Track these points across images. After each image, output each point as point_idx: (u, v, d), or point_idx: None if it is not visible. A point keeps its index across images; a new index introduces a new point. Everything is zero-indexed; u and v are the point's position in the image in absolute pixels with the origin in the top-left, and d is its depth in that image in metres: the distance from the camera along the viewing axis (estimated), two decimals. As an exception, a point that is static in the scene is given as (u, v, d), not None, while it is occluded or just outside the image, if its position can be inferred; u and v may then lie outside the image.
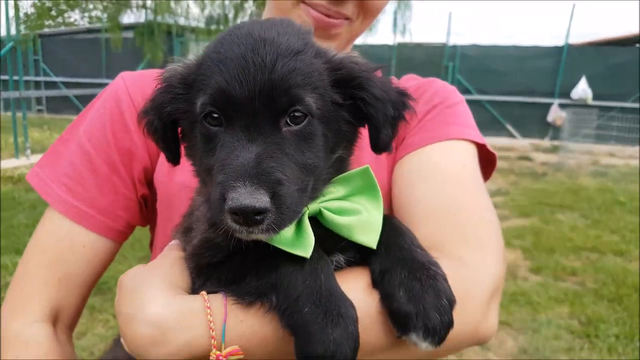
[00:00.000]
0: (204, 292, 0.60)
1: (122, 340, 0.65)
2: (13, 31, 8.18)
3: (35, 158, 8.73)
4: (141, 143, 0.79)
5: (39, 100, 16.27)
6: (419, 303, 0.57)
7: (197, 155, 0.62)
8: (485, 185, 0.85)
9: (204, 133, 0.59)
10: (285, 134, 0.57)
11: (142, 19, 9.02)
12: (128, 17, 8.17)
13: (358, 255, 0.65)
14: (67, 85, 15.15)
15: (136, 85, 0.83)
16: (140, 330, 0.59)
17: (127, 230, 0.88)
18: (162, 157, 0.81)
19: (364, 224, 0.61)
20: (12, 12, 8.01)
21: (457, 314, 0.60)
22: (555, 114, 12.27)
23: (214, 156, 0.57)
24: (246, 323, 0.58)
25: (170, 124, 0.64)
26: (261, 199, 0.51)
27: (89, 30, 15.66)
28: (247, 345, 0.58)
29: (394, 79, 0.99)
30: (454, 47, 13.78)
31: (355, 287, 0.60)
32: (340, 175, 0.66)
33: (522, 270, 4.65)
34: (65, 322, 0.85)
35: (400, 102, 0.66)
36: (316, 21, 0.81)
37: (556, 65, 12.78)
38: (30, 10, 6.98)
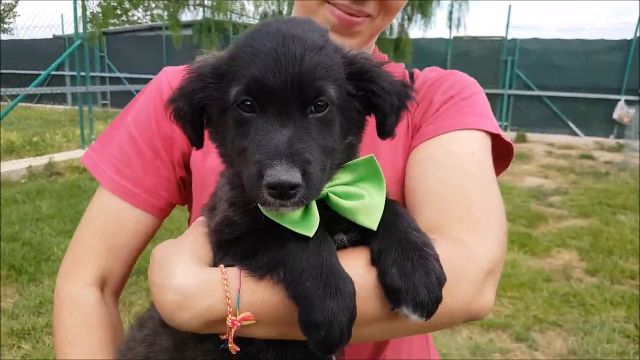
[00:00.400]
0: (222, 265, 0.68)
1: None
2: (81, 29, 8.69)
3: (100, 149, 9.25)
4: (180, 131, 0.86)
5: (104, 95, 17.18)
6: (410, 280, 0.62)
7: (228, 138, 0.68)
8: (495, 174, 0.86)
9: (238, 118, 0.65)
10: (311, 120, 0.64)
11: (199, 17, 9.33)
12: (186, 15, 8.49)
13: (360, 235, 0.70)
14: (130, 80, 15.88)
15: (176, 79, 0.90)
16: (168, 297, 0.67)
17: (167, 208, 0.97)
18: None
19: (366, 208, 0.67)
20: (80, 12, 8.49)
21: (451, 291, 0.66)
22: (622, 111, 11.60)
23: (247, 139, 0.64)
24: (257, 293, 0.66)
25: (198, 110, 0.70)
26: (295, 175, 0.57)
27: (151, 28, 16.32)
28: (258, 312, 0.65)
29: (415, 71, 1.02)
30: (514, 40, 13.31)
31: (356, 264, 0.66)
32: (347, 163, 0.72)
33: (577, 272, 4.47)
34: (112, 287, 0.95)
35: (404, 94, 0.71)
36: (339, 19, 0.86)
37: (623, 60, 12.08)
38: (97, 9, 7.39)
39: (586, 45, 12.65)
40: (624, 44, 12.15)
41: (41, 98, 16.59)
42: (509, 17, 13.26)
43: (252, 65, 0.62)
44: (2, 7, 27.74)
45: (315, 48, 0.64)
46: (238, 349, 0.66)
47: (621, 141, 11.21)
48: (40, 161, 7.97)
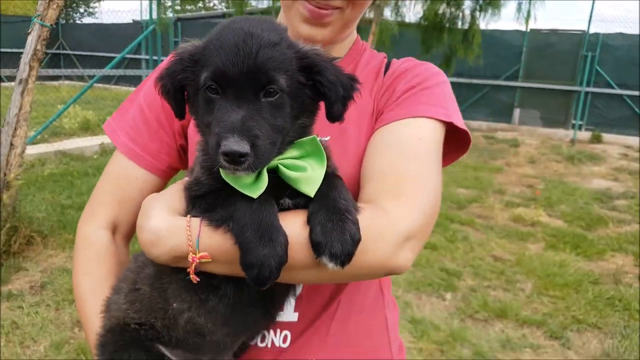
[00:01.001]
0: (188, 216, 0.85)
1: None
2: (155, 15, 9.21)
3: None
4: None
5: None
6: (328, 236, 0.77)
7: (200, 113, 0.84)
8: (440, 158, 0.96)
9: (205, 98, 0.81)
10: (263, 104, 0.78)
11: (265, 5, 9.60)
12: (257, 2, 8.76)
13: (302, 201, 0.85)
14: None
15: None
16: (145, 236, 0.86)
17: (169, 170, 1.14)
18: None
19: (308, 179, 0.82)
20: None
21: (370, 249, 0.80)
22: None
23: (212, 115, 0.79)
24: (214, 239, 0.82)
25: (179, 88, 0.86)
26: (244, 146, 0.72)
27: (224, 15, 16.93)
28: (213, 254, 0.82)
29: (393, 60, 1.10)
30: (596, 35, 12.52)
31: (294, 222, 0.81)
32: (297, 141, 0.86)
33: (628, 277, 4.27)
34: (122, 233, 1.13)
35: (350, 85, 0.84)
36: (310, 12, 0.97)
37: None
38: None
39: (676, 42, 11.67)
40: None
41: (118, 80, 17.70)
42: (592, 10, 12.48)
43: (217, 56, 0.78)
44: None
45: (269, 44, 0.79)
46: (198, 279, 0.83)
47: None
48: (113, 138, 8.61)
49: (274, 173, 0.82)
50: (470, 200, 6.39)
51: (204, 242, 0.81)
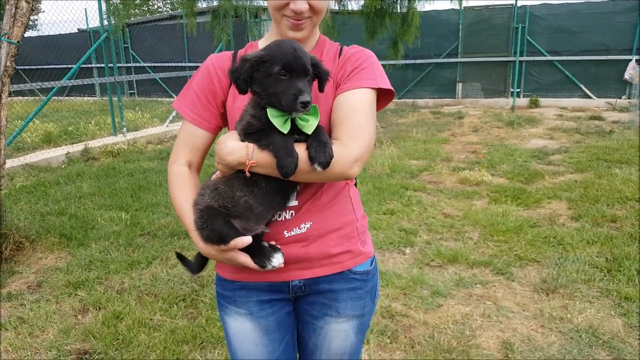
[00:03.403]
0: (246, 142, 1.37)
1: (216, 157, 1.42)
2: (106, 22, 9.31)
3: (131, 135, 9.94)
4: (220, 88, 1.59)
5: (130, 85, 17.95)
6: (318, 154, 1.32)
7: (269, 87, 1.34)
8: (375, 112, 1.51)
9: (277, 79, 1.33)
10: (306, 81, 1.33)
11: (215, 3, 9.81)
12: (201, 3, 8.93)
13: (304, 137, 1.38)
14: (154, 69, 16.58)
15: (218, 62, 1.61)
16: (225, 150, 1.37)
17: (217, 129, 1.65)
18: (230, 93, 1.59)
19: (309, 125, 1.36)
20: (104, 6, 9.07)
21: (337, 164, 1.36)
22: (633, 71, 11.65)
23: (283, 87, 1.31)
24: (261, 154, 1.34)
25: (249, 77, 1.37)
26: (309, 99, 1.28)
27: (172, 17, 16.93)
28: (260, 162, 1.34)
29: (344, 47, 1.67)
30: (523, 7, 13.39)
31: (301, 148, 1.34)
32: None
33: (562, 219, 4.91)
34: (195, 168, 1.65)
35: (327, 73, 1.43)
36: (291, 24, 1.50)
37: (634, 20, 12.08)
38: (117, 1, 7.88)
39: (596, 8, 12.65)
40: (634, 5, 12.12)
41: (70, 91, 17.42)
42: (518, -16, 13.31)
43: (284, 57, 1.32)
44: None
45: (304, 53, 1.35)
46: (249, 174, 1.37)
47: (633, 101, 11.32)
48: (76, 148, 8.70)
49: (293, 121, 1.38)
50: (421, 169, 6.95)
51: (255, 156, 1.36)
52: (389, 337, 3.04)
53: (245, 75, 1.34)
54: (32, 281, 3.93)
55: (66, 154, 8.28)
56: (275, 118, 1.32)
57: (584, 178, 6.19)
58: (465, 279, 3.75)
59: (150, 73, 14.41)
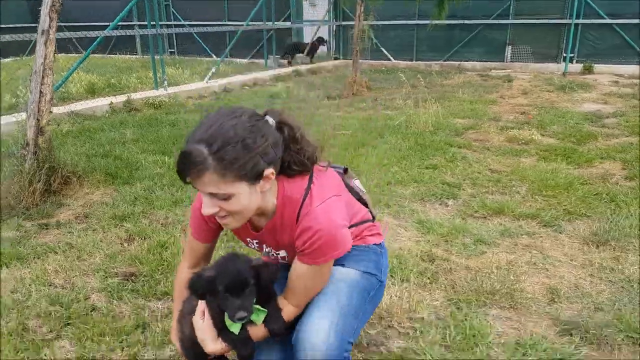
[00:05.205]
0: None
1: None
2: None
3: (172, 89, 10.04)
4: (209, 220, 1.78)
5: (170, 44, 18.09)
6: (272, 325, 1.58)
7: (219, 301, 1.53)
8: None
9: (222, 296, 1.50)
10: (247, 293, 1.51)
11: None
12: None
13: None
14: (194, 27, 16.60)
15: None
16: (204, 346, 1.64)
17: (213, 239, 1.89)
18: None
19: (258, 320, 1.58)
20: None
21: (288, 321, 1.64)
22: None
23: (226, 304, 1.50)
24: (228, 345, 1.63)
25: (204, 292, 1.60)
26: (245, 315, 1.49)
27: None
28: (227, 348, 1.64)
29: (301, 216, 1.57)
30: (584, -35, 12.56)
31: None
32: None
33: (616, 178, 4.67)
34: (199, 265, 1.86)
35: (271, 280, 1.60)
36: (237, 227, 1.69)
37: None
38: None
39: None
40: None
41: (112, 49, 17.70)
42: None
43: (225, 278, 1.48)
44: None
45: (245, 271, 1.51)
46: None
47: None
48: (119, 99, 8.85)
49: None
50: (467, 128, 6.73)
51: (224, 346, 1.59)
52: (428, 278, 2.98)
53: (201, 292, 1.54)
54: (80, 213, 4.05)
55: (109, 104, 8.45)
56: (228, 321, 1.51)
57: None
58: (510, 229, 3.63)
59: (190, 29, 14.38)
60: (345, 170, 1.88)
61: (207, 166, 1.27)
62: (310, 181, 1.51)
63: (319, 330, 1.47)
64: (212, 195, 1.35)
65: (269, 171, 1.39)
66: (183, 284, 1.66)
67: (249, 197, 1.39)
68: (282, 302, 1.59)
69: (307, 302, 1.58)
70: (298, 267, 1.55)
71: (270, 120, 1.44)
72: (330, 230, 1.44)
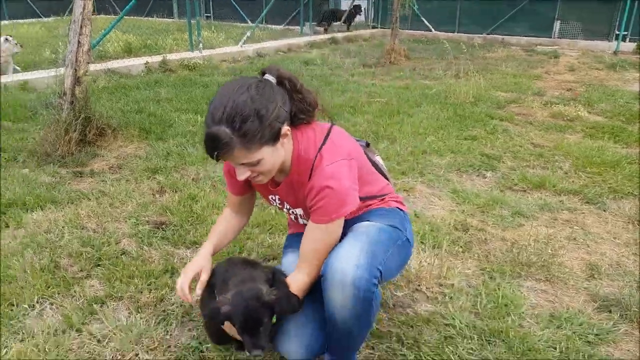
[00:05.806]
0: None
1: None
2: None
3: (207, 52, 10.00)
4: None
5: (207, 8, 18.04)
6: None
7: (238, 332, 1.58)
8: None
9: (239, 330, 1.55)
10: (260, 331, 1.54)
11: None
12: None
13: None
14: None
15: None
16: None
17: (245, 193, 1.97)
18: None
19: None
20: None
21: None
22: None
23: (243, 338, 1.56)
24: None
25: (217, 328, 1.75)
26: (259, 353, 1.53)
27: None
28: None
29: (314, 171, 1.61)
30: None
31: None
32: None
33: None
34: (241, 214, 2.02)
35: (287, 310, 1.62)
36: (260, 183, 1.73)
37: None
38: None
39: None
40: None
41: (150, 12, 17.77)
42: None
43: (240, 316, 1.52)
44: None
45: (259, 308, 1.54)
46: None
47: None
48: (155, 59, 8.88)
49: None
50: (509, 101, 6.47)
51: None
52: (461, 246, 2.88)
53: (213, 329, 1.70)
54: (113, 164, 4.08)
55: (145, 64, 8.49)
56: None
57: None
58: (551, 204, 3.47)
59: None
60: (367, 145, 1.97)
61: (234, 144, 1.39)
62: (325, 141, 1.58)
63: (349, 257, 1.48)
64: (243, 165, 1.48)
65: (285, 129, 1.51)
66: (223, 220, 1.95)
67: (274, 156, 1.51)
68: (291, 276, 1.64)
69: (318, 267, 1.58)
70: (308, 229, 1.60)
71: (271, 78, 1.53)
72: (337, 188, 1.51)
